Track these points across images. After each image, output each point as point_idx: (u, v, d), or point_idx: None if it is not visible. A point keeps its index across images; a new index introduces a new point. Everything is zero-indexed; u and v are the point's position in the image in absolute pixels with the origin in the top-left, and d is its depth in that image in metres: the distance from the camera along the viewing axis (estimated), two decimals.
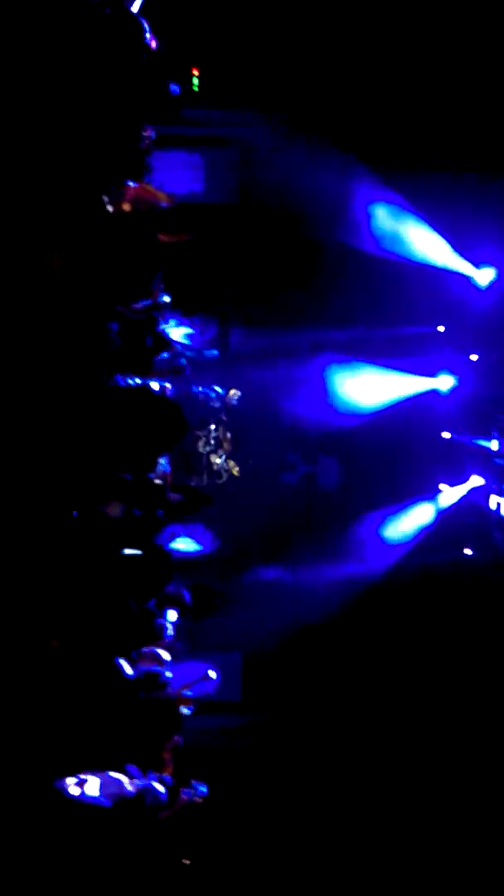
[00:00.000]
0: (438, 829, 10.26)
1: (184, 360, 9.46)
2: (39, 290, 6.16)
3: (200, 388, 10.60)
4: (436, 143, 10.99)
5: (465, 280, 11.64)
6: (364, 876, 9.83)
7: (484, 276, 11.29)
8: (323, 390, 11.77)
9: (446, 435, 12.08)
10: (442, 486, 12.17)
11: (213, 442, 10.84)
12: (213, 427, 10.79)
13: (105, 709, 6.07)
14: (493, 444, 11.57)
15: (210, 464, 10.90)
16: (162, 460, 8.12)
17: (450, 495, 12.09)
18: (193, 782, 6.48)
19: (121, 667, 6.36)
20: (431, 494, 12.13)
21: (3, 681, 5.49)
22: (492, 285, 11.31)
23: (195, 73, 11.26)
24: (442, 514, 12.05)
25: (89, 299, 6.60)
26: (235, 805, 9.54)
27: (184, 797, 6.52)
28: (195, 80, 11.27)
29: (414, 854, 10.05)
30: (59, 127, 6.20)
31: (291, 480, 12.05)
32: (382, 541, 11.87)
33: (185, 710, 7.12)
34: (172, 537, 9.17)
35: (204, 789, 6.68)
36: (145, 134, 7.78)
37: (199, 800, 6.48)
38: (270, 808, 10.26)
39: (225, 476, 10.95)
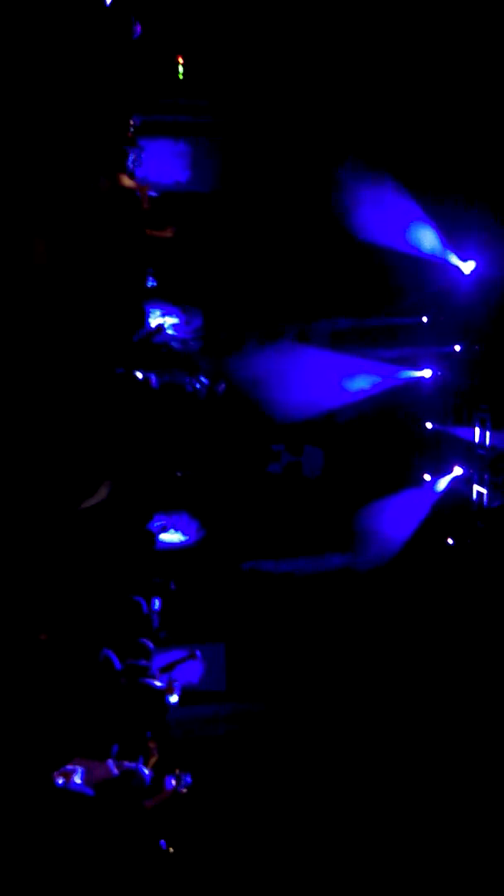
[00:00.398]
0: (427, 814, 10.36)
1: (175, 345, 9.46)
2: (22, 277, 6.13)
3: (187, 379, 10.57)
4: (423, 130, 10.98)
5: (449, 271, 11.67)
6: (352, 865, 9.92)
7: (468, 267, 11.30)
8: (308, 380, 11.79)
9: (429, 425, 12.17)
10: (426, 476, 12.25)
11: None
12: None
13: (92, 698, 6.09)
14: (469, 436, 11.66)
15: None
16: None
17: (433, 485, 12.17)
18: (179, 772, 6.51)
19: (111, 657, 6.38)
20: (415, 484, 12.20)
21: None
22: (475, 276, 11.33)
23: (180, 60, 11.18)
24: (425, 504, 12.13)
25: (74, 287, 6.58)
26: (220, 793, 9.60)
27: (169, 786, 6.57)
28: (180, 68, 11.20)
29: (402, 841, 10.13)
30: (43, 115, 6.15)
31: (277, 470, 12.08)
32: (366, 530, 11.94)
33: (171, 699, 7.15)
34: (162, 529, 9.22)
35: (188, 779, 6.73)
36: (130, 122, 7.76)
37: (184, 790, 6.52)
38: (255, 796, 10.33)
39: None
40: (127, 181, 7.34)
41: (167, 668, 7.70)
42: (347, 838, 10.11)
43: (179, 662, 7.85)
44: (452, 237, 11.36)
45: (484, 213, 11.08)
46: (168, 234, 7.75)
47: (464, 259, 11.41)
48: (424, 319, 12.22)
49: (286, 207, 11.38)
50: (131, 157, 7.90)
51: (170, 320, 10.80)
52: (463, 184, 10.96)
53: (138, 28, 6.97)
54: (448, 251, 11.34)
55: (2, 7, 6.02)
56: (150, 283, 8.90)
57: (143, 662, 6.90)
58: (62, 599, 6.13)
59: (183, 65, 10.99)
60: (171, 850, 6.79)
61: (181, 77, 11.17)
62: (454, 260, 11.35)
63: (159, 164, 10.81)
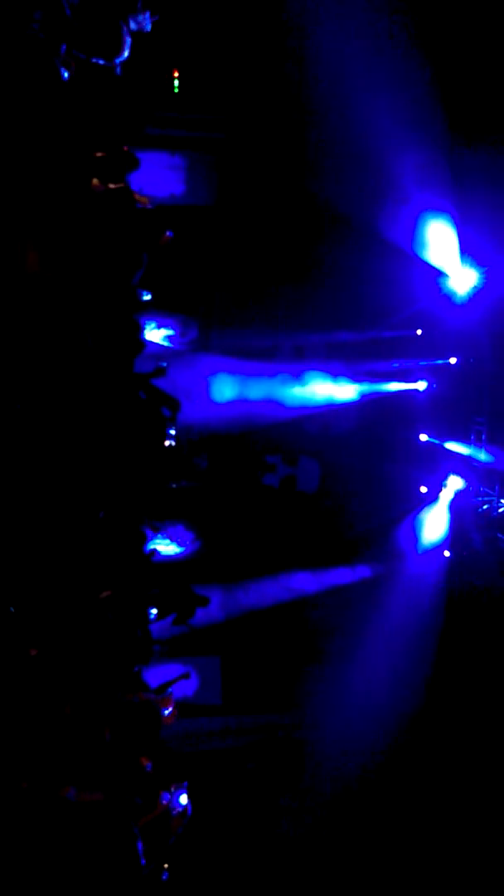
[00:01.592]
0: (423, 826, 10.30)
1: (165, 364, 9.46)
2: (13, 286, 6.11)
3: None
4: (420, 137, 11.02)
5: (445, 284, 11.71)
6: (347, 876, 9.84)
7: (464, 280, 11.35)
8: (303, 393, 11.79)
9: (424, 437, 12.16)
10: (422, 489, 12.24)
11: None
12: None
13: (87, 711, 6.03)
14: (465, 449, 11.67)
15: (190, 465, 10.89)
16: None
17: (429, 497, 12.16)
18: (174, 789, 6.44)
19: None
20: (411, 496, 12.19)
21: None
22: (471, 289, 11.37)
23: (175, 74, 11.25)
24: (422, 516, 12.11)
25: (66, 296, 6.56)
26: (215, 807, 9.52)
27: (163, 801, 6.49)
28: (175, 82, 11.26)
29: (400, 853, 10.07)
30: (36, 124, 6.15)
31: (272, 482, 12.05)
32: (362, 542, 11.91)
33: (165, 713, 7.09)
34: (155, 531, 9.15)
35: (184, 801, 6.64)
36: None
37: (179, 810, 6.45)
38: (250, 809, 10.25)
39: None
40: (126, 190, 7.37)
41: (162, 688, 7.65)
42: (343, 852, 10.04)
43: (173, 682, 7.80)
44: (448, 250, 11.40)
45: (480, 225, 11.14)
46: (164, 240, 7.75)
47: (460, 272, 11.45)
48: (419, 332, 12.25)
49: (281, 221, 11.42)
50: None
51: (165, 332, 10.81)
52: (461, 198, 11.04)
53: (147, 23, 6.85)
54: (445, 263, 11.39)
55: None
56: (145, 296, 8.89)
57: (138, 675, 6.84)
58: (54, 611, 6.08)
59: (178, 78, 11.05)
60: (166, 866, 6.71)
61: (176, 91, 11.23)
62: (451, 272, 11.39)
63: (155, 177, 10.85)
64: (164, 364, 9.22)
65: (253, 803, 10.23)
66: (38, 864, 5.00)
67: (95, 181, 7.06)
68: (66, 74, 6.30)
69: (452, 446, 11.92)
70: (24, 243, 6.00)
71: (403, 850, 10.00)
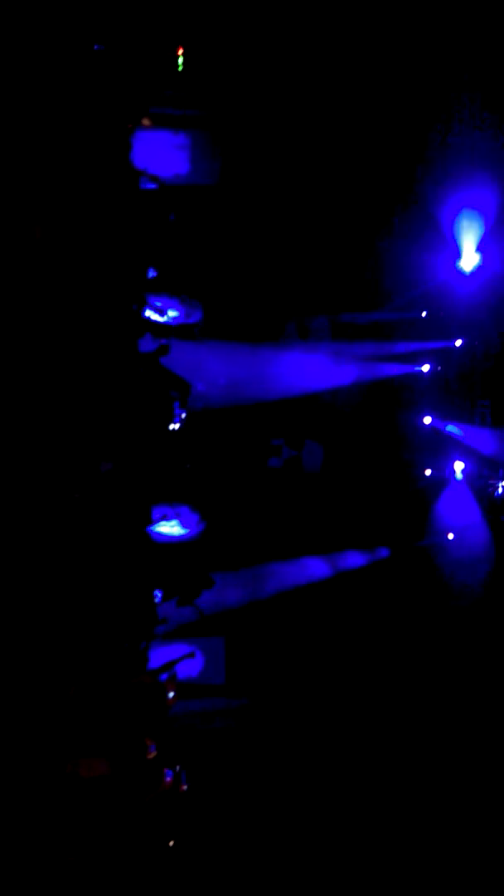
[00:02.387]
0: (424, 804, 10.38)
1: (166, 342, 9.44)
2: (19, 260, 6.10)
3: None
4: (424, 125, 10.95)
5: (450, 266, 11.65)
6: (350, 858, 9.93)
7: (468, 261, 11.30)
8: (307, 374, 11.76)
9: (429, 418, 12.12)
10: (427, 471, 12.22)
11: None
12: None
13: (92, 691, 6.07)
14: (467, 433, 11.67)
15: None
16: None
17: (434, 479, 12.16)
18: (179, 769, 6.49)
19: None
20: (416, 479, 12.18)
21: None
22: (476, 270, 11.32)
23: (180, 52, 11.11)
24: (425, 499, 12.11)
25: (71, 271, 6.54)
26: (219, 787, 9.59)
27: (168, 779, 6.55)
28: (180, 60, 11.12)
29: (400, 838, 10.16)
30: (43, 103, 6.12)
31: (277, 464, 12.04)
32: (367, 526, 11.91)
33: (169, 694, 7.13)
34: (162, 517, 9.14)
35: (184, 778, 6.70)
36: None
37: (183, 786, 6.51)
38: (254, 790, 10.32)
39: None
40: (130, 168, 7.33)
41: (166, 667, 7.68)
42: (345, 833, 10.12)
43: (177, 661, 7.83)
44: (453, 231, 11.34)
45: (484, 206, 11.07)
46: (168, 218, 7.72)
47: (464, 253, 11.40)
48: (424, 314, 12.19)
49: (287, 200, 11.33)
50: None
51: (170, 313, 10.74)
52: (463, 175, 10.96)
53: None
54: (449, 244, 11.33)
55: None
56: (150, 274, 8.84)
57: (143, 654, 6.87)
58: (60, 590, 6.10)
59: (183, 56, 10.92)
60: (171, 843, 6.78)
61: (181, 69, 11.10)
62: (455, 254, 11.35)
63: (159, 157, 10.75)
64: (166, 342, 9.20)
65: (254, 783, 10.31)
66: (44, 837, 5.05)
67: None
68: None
69: (454, 430, 11.91)
70: (29, 217, 5.98)
71: (407, 838, 10.11)
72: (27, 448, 6.22)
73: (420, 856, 9.93)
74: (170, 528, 9.25)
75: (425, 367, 12.19)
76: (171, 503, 9.43)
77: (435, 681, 11.20)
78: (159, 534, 8.77)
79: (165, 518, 8.78)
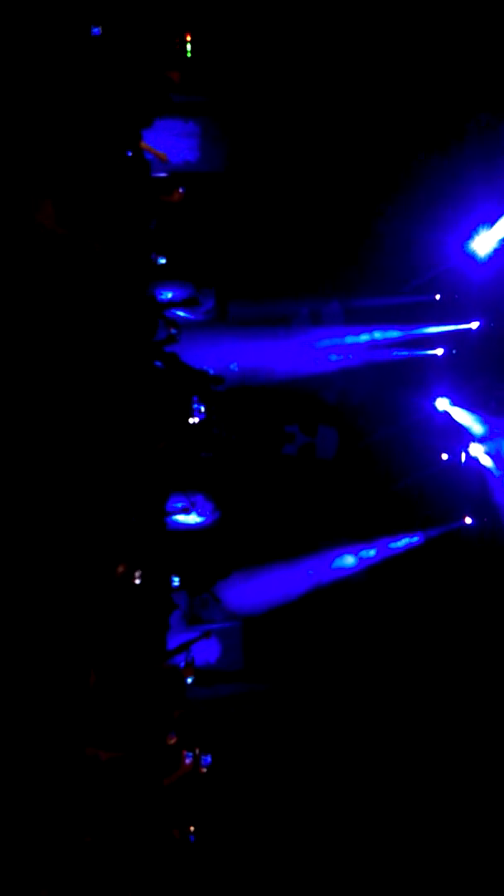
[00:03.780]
0: (437, 798, 10.39)
1: (175, 331, 9.45)
2: (28, 239, 6.10)
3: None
4: (435, 106, 10.83)
5: (464, 247, 11.54)
6: (362, 845, 9.97)
7: (484, 244, 11.18)
8: (320, 360, 11.72)
9: (444, 402, 12.04)
10: (443, 456, 12.15)
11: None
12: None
13: (115, 677, 6.12)
14: (474, 423, 11.61)
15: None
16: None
17: (450, 464, 12.09)
18: (199, 752, 6.54)
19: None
20: (432, 464, 12.12)
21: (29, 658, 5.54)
22: (492, 253, 11.20)
23: (188, 38, 11.04)
24: (443, 483, 12.04)
25: (81, 249, 6.54)
26: (237, 772, 9.64)
27: (188, 762, 6.61)
28: (188, 46, 11.06)
29: (413, 828, 10.18)
30: (54, 84, 6.12)
31: (291, 451, 12.02)
32: (383, 511, 11.88)
33: (188, 679, 7.19)
34: (184, 511, 9.23)
35: (208, 759, 6.76)
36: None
37: (203, 769, 6.56)
38: (272, 775, 10.37)
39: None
40: (142, 144, 7.33)
41: (182, 648, 7.73)
42: (362, 821, 10.15)
43: (194, 642, 7.89)
44: (469, 214, 11.23)
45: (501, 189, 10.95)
46: (176, 197, 7.71)
47: (480, 236, 11.28)
48: (438, 297, 12.09)
49: (297, 186, 11.27)
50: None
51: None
52: (480, 162, 10.85)
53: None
54: (465, 228, 11.22)
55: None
56: (160, 261, 8.85)
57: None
58: (81, 578, 6.14)
59: (191, 42, 10.86)
60: (192, 829, 6.84)
61: (189, 55, 11.03)
62: (470, 237, 11.23)
63: (169, 144, 10.72)
64: (175, 332, 9.20)
65: (271, 768, 10.36)
66: (63, 819, 5.11)
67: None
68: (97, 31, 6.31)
69: (466, 417, 11.83)
70: (39, 199, 5.98)
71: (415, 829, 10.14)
72: (43, 442, 6.25)
73: (426, 843, 9.98)
74: (186, 517, 9.32)
75: (439, 351, 12.10)
76: (187, 492, 9.49)
77: (453, 666, 11.18)
78: (176, 522, 8.84)
79: (184, 509, 8.85)
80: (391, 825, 10.15)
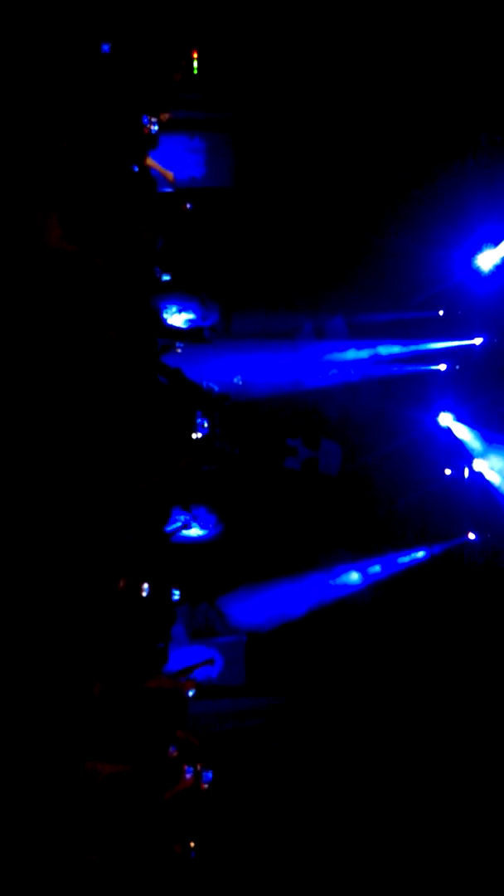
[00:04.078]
0: (440, 807, 10.32)
1: (180, 344, 9.49)
2: (34, 254, 6.14)
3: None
4: (439, 123, 10.90)
5: (467, 264, 11.58)
6: (362, 860, 9.89)
7: (488, 260, 11.22)
8: (323, 374, 11.73)
9: (447, 418, 12.04)
10: (446, 471, 12.13)
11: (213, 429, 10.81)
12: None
13: (117, 691, 6.11)
14: (477, 439, 11.61)
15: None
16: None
17: (454, 480, 12.07)
18: (200, 767, 6.50)
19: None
20: (435, 479, 12.10)
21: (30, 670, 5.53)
22: (496, 269, 11.24)
23: (195, 55, 11.14)
24: (446, 499, 12.02)
25: (86, 270, 6.58)
26: (239, 787, 9.59)
27: (188, 777, 6.56)
28: (195, 63, 11.15)
29: (416, 836, 10.11)
30: (61, 99, 6.18)
31: (294, 465, 12.02)
32: (386, 526, 11.86)
33: (189, 693, 7.15)
34: (186, 525, 9.23)
35: (209, 776, 6.72)
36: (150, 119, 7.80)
37: (204, 785, 6.52)
38: (272, 790, 10.32)
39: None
40: (149, 161, 7.39)
41: (186, 671, 7.72)
42: (358, 837, 10.08)
43: (197, 667, 7.88)
44: (473, 228, 11.28)
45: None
46: (184, 209, 7.77)
47: (483, 251, 11.32)
48: (441, 313, 12.12)
49: (302, 201, 11.34)
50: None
51: (187, 315, 10.80)
52: (483, 175, 10.90)
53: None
54: (468, 242, 11.26)
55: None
56: (164, 278, 8.89)
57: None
58: (84, 591, 6.14)
59: (198, 59, 10.95)
60: (192, 844, 6.78)
61: (196, 72, 11.13)
62: (474, 252, 11.27)
63: (174, 160, 10.81)
64: (180, 345, 9.24)
65: (274, 782, 10.30)
66: (63, 834, 5.08)
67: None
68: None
69: (470, 433, 11.83)
70: (46, 216, 6.03)
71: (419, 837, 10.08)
72: (46, 455, 6.26)
73: (430, 848, 9.92)
74: (188, 531, 9.32)
75: (442, 367, 12.12)
76: (189, 506, 9.48)
77: (456, 680, 11.13)
78: (178, 536, 8.83)
79: (185, 524, 8.85)
80: (391, 842, 10.08)
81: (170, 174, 8.43)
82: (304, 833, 9.97)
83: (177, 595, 8.03)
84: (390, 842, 10.01)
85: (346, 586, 11.51)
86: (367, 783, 10.46)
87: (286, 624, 11.17)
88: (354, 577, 11.56)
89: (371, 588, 11.56)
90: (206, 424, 9.17)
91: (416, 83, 10.83)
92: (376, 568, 11.65)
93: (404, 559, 11.73)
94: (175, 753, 6.99)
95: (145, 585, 6.59)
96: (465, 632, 11.33)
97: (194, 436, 9.15)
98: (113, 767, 5.69)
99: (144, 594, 6.57)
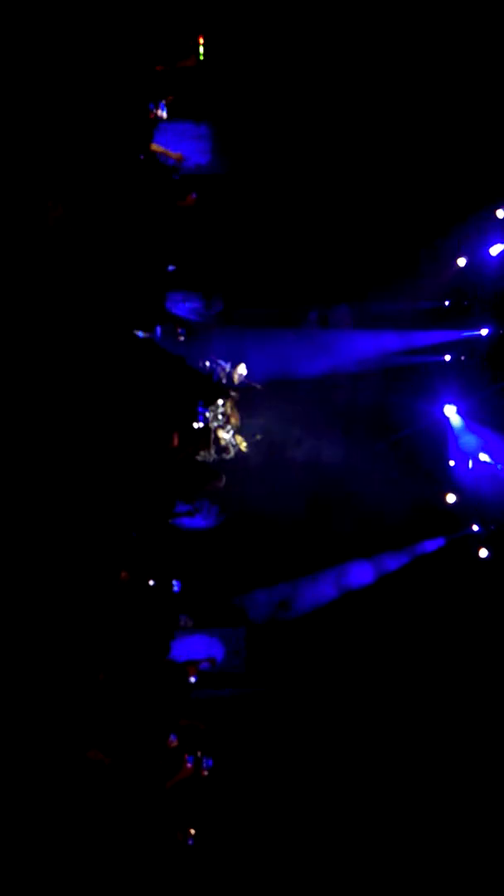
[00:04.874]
0: (437, 803, 10.36)
1: (183, 331, 9.46)
2: (36, 239, 6.12)
3: (207, 363, 10.53)
4: (445, 105, 10.79)
5: (474, 254, 11.53)
6: (362, 847, 9.93)
7: (495, 250, 11.16)
8: (328, 364, 11.69)
9: (451, 409, 12.00)
10: (450, 462, 12.12)
11: (220, 417, 10.77)
12: (220, 402, 10.70)
13: (117, 678, 6.12)
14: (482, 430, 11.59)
15: (218, 439, 10.84)
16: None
17: (457, 471, 12.06)
18: (201, 755, 6.52)
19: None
20: (438, 470, 12.09)
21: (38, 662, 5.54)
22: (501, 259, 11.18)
23: (200, 41, 11.03)
24: (449, 491, 12.01)
25: (90, 264, 6.55)
26: (238, 774, 9.62)
27: (189, 765, 6.59)
28: (201, 49, 11.03)
29: (412, 828, 10.15)
30: (67, 87, 6.15)
31: (298, 456, 11.98)
32: (388, 518, 11.83)
33: (191, 680, 7.18)
34: (190, 514, 9.23)
35: (209, 762, 6.75)
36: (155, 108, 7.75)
37: (205, 772, 6.54)
38: (273, 777, 10.35)
39: (233, 451, 10.88)
40: (156, 147, 7.35)
41: (191, 664, 7.74)
42: (357, 824, 10.11)
43: (199, 663, 7.90)
44: (478, 218, 11.21)
45: None
46: (190, 202, 7.73)
47: (489, 241, 11.25)
48: (447, 304, 12.07)
49: (306, 190, 11.27)
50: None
51: (191, 305, 10.76)
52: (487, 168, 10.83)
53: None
54: (473, 233, 11.20)
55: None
56: (169, 269, 8.85)
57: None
58: (90, 580, 6.14)
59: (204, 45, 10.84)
60: (192, 831, 6.82)
61: (202, 58, 11.01)
62: (480, 241, 11.20)
63: (180, 146, 10.74)
64: (182, 332, 9.20)
65: (272, 770, 10.33)
66: (65, 822, 5.10)
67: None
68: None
69: (474, 425, 11.80)
70: (48, 197, 5.99)
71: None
72: (47, 447, 6.25)
73: (426, 844, 9.96)
74: (192, 520, 9.33)
75: (447, 357, 12.08)
76: (192, 497, 9.49)
77: (461, 677, 11.15)
78: (182, 524, 8.84)
79: (189, 513, 8.86)
80: (390, 827, 10.12)
81: (178, 154, 8.37)
82: (301, 819, 10.01)
83: (178, 586, 8.05)
84: (387, 830, 10.05)
85: (349, 578, 11.51)
86: (367, 772, 10.50)
87: (288, 615, 11.19)
88: (356, 569, 11.56)
89: (373, 580, 11.57)
90: (207, 415, 9.17)
91: (418, 70, 10.71)
92: (379, 560, 11.65)
93: (407, 550, 11.73)
94: (175, 742, 7.01)
95: (147, 578, 6.59)
96: (468, 624, 11.34)
97: (195, 425, 9.14)
98: (114, 756, 5.72)
99: (146, 584, 6.58)
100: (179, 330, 8.99)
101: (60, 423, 6.28)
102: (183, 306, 11.05)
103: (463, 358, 11.95)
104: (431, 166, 11.13)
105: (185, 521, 9.68)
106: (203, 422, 9.28)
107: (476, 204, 11.11)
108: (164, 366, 8.57)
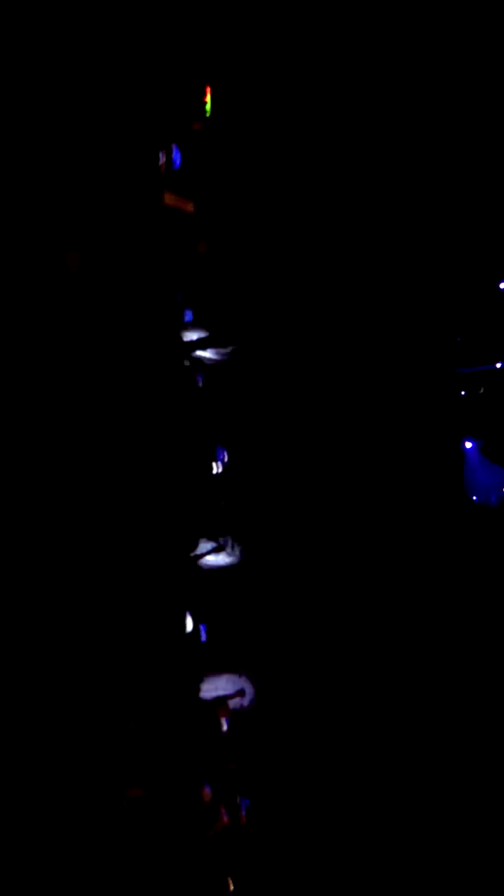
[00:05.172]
0: (438, 802, 10.12)
1: (201, 376, 9.53)
2: (54, 287, 6.19)
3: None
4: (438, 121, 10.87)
5: (482, 284, 11.59)
6: (362, 853, 9.62)
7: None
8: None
9: (471, 444, 11.99)
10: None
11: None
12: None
13: (153, 727, 6.04)
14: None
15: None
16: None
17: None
18: (239, 799, 6.39)
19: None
20: (460, 507, 12.02)
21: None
22: None
23: (208, 91, 11.19)
24: (469, 527, 11.93)
25: (107, 300, 6.62)
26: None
27: (225, 818, 6.45)
28: (208, 104, 11.11)
29: (414, 837, 9.88)
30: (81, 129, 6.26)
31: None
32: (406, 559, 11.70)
33: (223, 723, 7.06)
34: (215, 550, 9.17)
35: (247, 802, 6.60)
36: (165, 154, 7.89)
37: (244, 817, 6.40)
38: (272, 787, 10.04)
39: None
40: (170, 197, 7.45)
41: (219, 702, 7.63)
42: (359, 817, 9.80)
43: (229, 699, 7.80)
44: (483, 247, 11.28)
45: None
46: (189, 207, 7.80)
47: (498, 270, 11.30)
48: (458, 340, 12.11)
49: (323, 230, 11.38)
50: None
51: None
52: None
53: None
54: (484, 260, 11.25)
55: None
56: (188, 318, 8.97)
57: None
58: (119, 626, 6.09)
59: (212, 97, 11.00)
60: (232, 885, 6.65)
61: (208, 114, 11.06)
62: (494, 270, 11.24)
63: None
64: (201, 376, 9.26)
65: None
66: (100, 870, 4.98)
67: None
68: None
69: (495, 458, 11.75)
70: (66, 244, 6.08)
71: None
72: (70, 488, 6.26)
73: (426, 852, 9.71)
74: (216, 558, 9.25)
75: (463, 391, 12.08)
76: (215, 535, 9.46)
77: (462, 676, 10.96)
78: (206, 564, 8.78)
79: (215, 550, 8.82)
80: (391, 835, 9.82)
81: (189, 205, 8.50)
82: (301, 816, 9.67)
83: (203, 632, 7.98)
84: (388, 838, 9.76)
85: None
86: (368, 766, 10.18)
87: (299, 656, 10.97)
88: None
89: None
90: (225, 459, 9.16)
91: (412, 85, 10.79)
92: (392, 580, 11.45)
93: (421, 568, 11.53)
94: (209, 794, 6.85)
95: (188, 620, 6.53)
96: (470, 617, 11.18)
97: (215, 470, 9.15)
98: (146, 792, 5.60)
99: (188, 629, 6.52)
100: (198, 375, 9.05)
101: (84, 468, 6.30)
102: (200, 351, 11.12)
103: (482, 391, 11.96)
104: (444, 196, 11.20)
105: (210, 561, 9.62)
106: (223, 463, 9.27)
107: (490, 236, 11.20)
108: (182, 410, 8.62)
